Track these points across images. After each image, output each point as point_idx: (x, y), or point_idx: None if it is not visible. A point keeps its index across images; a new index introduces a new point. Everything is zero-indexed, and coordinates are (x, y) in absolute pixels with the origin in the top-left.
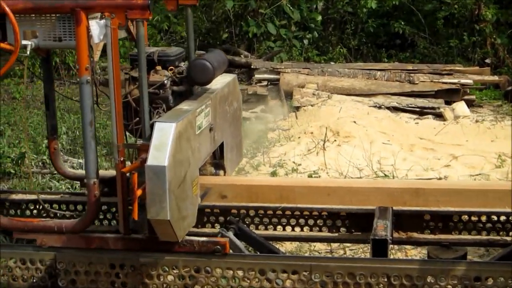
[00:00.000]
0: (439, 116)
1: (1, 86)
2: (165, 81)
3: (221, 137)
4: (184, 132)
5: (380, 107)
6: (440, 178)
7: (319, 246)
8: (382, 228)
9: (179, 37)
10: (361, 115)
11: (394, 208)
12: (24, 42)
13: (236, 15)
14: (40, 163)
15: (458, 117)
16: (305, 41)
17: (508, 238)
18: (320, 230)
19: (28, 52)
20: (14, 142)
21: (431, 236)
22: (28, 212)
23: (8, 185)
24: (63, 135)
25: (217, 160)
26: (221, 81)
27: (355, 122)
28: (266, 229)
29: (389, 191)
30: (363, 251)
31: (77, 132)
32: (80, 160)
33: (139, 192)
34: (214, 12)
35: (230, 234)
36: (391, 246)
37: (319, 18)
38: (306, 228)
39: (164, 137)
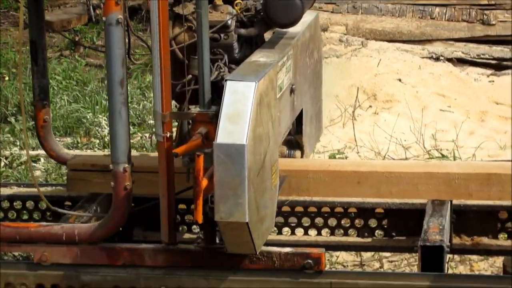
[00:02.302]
0: None
1: None
2: (229, 22)
3: (300, 103)
4: (265, 96)
5: (438, 59)
6: None
7: (344, 256)
8: (436, 230)
9: None
10: (410, 70)
11: (455, 202)
12: None
13: None
14: None
15: None
16: None
17: None
18: (346, 234)
19: None
20: None
21: (509, 243)
22: (12, 214)
23: None
24: None
25: (292, 135)
26: (301, 21)
27: (400, 80)
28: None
29: (447, 178)
30: (408, 263)
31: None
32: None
33: (205, 183)
34: None
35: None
36: (449, 256)
37: None
38: (325, 231)
39: (240, 103)
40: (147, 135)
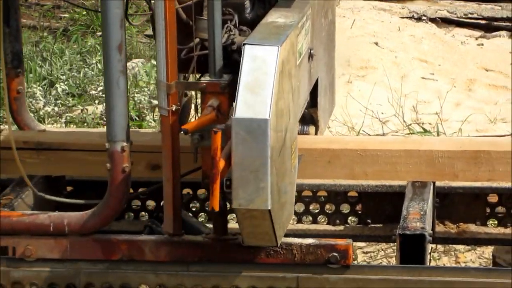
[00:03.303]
0: None
1: None
2: None
3: (316, 71)
4: (287, 63)
5: (419, 19)
6: None
7: None
8: (416, 216)
9: None
10: (388, 33)
11: (438, 184)
12: None
13: None
14: None
15: None
16: None
17: None
18: (315, 221)
19: None
20: None
21: (499, 230)
22: None
23: None
24: None
25: (306, 109)
26: None
27: (377, 44)
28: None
29: (430, 157)
30: (385, 254)
31: None
32: None
33: (222, 164)
34: None
35: None
36: (431, 246)
37: None
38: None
39: (261, 71)
40: (88, 107)
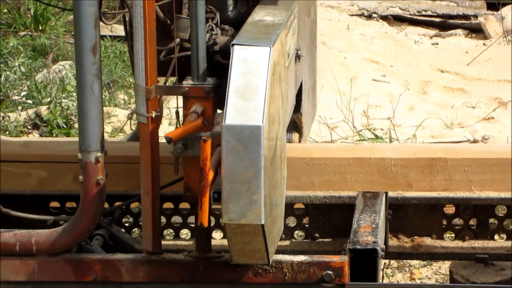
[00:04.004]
0: (476, 31)
1: None
2: None
3: (300, 73)
4: (277, 65)
5: (370, 17)
6: (474, 141)
7: None
8: (368, 230)
9: None
10: (336, 32)
11: (391, 194)
12: None
13: None
14: None
15: (510, 33)
16: None
17: None
18: None
19: None
20: None
21: (457, 244)
22: None
23: None
24: None
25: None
26: None
27: (324, 43)
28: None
29: (382, 165)
30: None
31: None
32: None
33: (211, 176)
34: None
35: (96, 246)
36: (384, 261)
37: None
38: None
39: (253, 74)
40: (10, 115)
